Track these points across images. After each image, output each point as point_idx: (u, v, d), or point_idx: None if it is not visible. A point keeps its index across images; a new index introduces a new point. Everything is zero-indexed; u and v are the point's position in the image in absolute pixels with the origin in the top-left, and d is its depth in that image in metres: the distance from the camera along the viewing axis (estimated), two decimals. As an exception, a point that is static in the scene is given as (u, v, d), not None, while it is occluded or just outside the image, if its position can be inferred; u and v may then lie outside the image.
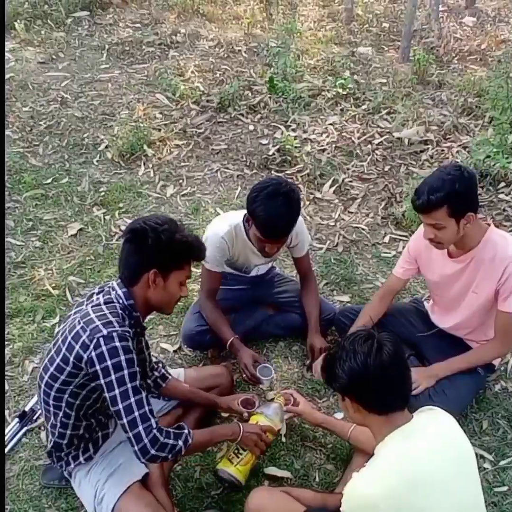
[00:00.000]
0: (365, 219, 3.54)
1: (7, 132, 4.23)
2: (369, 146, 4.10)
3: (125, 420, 1.66)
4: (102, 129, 4.32)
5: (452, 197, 1.97)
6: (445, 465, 1.41)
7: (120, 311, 1.75)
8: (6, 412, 2.36)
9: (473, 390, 2.37)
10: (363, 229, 3.46)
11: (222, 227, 2.38)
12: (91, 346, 1.65)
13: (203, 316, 2.52)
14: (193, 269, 1.92)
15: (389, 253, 3.28)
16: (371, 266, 3.20)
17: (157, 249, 1.73)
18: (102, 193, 3.69)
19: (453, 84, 4.87)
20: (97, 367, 1.65)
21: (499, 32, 5.97)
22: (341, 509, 1.43)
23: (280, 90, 4.61)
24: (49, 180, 3.78)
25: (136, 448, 1.67)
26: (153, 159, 4.01)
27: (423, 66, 4.88)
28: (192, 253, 1.83)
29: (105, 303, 1.76)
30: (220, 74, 4.97)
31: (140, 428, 1.66)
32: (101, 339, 1.65)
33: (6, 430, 2.25)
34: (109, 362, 1.64)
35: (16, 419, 2.29)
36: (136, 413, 1.66)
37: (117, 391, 1.65)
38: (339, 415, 2.37)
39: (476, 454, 1.54)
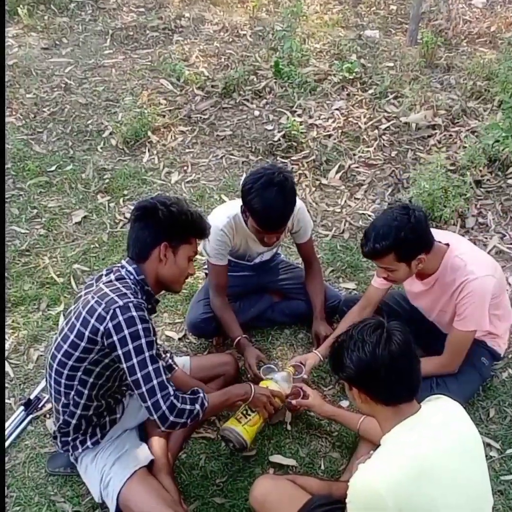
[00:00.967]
0: (372, 206, 3.50)
1: (11, 119, 4.22)
2: (376, 131, 4.04)
3: (144, 389, 1.68)
4: (106, 116, 4.28)
5: (398, 245, 1.98)
6: (452, 456, 1.39)
7: (132, 285, 1.78)
8: (12, 400, 2.37)
9: (477, 381, 2.35)
10: (369, 215, 3.42)
11: (221, 219, 2.35)
12: (108, 317, 1.66)
13: (208, 303, 2.50)
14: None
15: (396, 239, 3.24)
16: (377, 253, 3.16)
17: (168, 221, 1.79)
18: (107, 180, 3.67)
19: (462, 67, 4.78)
20: (114, 338, 1.66)
21: (509, 13, 5.83)
22: (347, 500, 1.42)
23: (285, 74, 4.54)
24: (53, 168, 3.76)
25: (155, 416, 1.69)
26: (157, 146, 3.98)
27: (431, 49, 4.78)
28: (198, 228, 1.88)
29: (117, 279, 1.79)
30: (225, 59, 4.91)
31: (159, 396, 1.68)
32: (117, 309, 1.67)
33: (12, 418, 2.26)
34: (126, 332, 1.66)
35: (22, 407, 2.29)
36: (155, 381, 1.68)
37: (135, 360, 1.67)
38: (345, 403, 2.36)
39: (483, 443, 1.51)
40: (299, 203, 2.36)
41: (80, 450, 1.92)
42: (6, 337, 2.62)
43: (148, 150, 3.94)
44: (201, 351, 2.61)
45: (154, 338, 1.74)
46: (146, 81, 4.67)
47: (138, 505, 1.82)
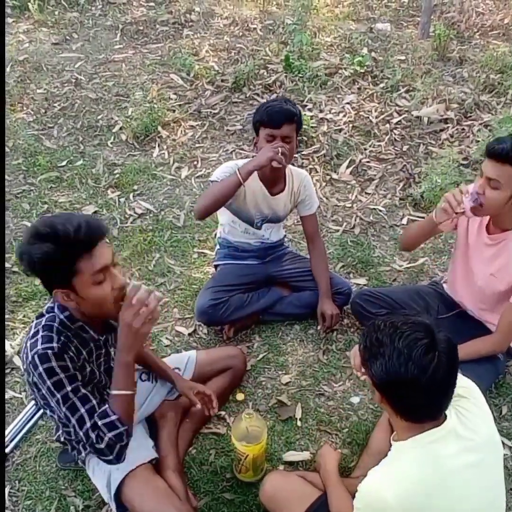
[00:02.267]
0: (383, 201, 3.47)
1: (22, 114, 4.22)
2: (387, 125, 4.01)
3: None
4: (116, 111, 4.28)
5: None
6: (467, 466, 1.33)
7: (55, 324, 1.62)
8: (23, 394, 2.37)
9: (493, 375, 2.32)
10: (380, 210, 3.40)
11: (236, 160, 2.54)
12: (27, 371, 1.61)
13: (217, 289, 2.51)
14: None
15: (407, 235, 3.22)
16: (388, 249, 3.14)
17: (41, 277, 1.53)
18: (117, 175, 3.67)
19: (474, 60, 4.73)
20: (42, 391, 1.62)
21: (523, 5, 5.77)
22: (354, 504, 1.39)
23: (296, 68, 4.51)
24: (63, 163, 3.76)
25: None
26: (167, 141, 3.97)
27: (444, 42, 4.74)
28: (73, 253, 1.47)
29: (47, 312, 1.66)
30: (235, 53, 4.89)
31: (88, 444, 1.64)
32: (30, 366, 1.58)
33: (23, 412, 2.27)
34: (43, 386, 1.59)
35: (33, 402, 2.30)
36: (80, 432, 1.62)
37: (58, 417, 1.67)
38: (356, 399, 2.34)
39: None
40: (305, 173, 2.58)
41: (83, 454, 1.89)
42: (17, 331, 2.63)
43: (158, 145, 3.93)
44: (211, 346, 2.59)
45: (69, 389, 1.58)
46: (156, 75, 4.67)
47: (140, 504, 1.78)
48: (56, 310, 1.64)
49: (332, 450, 1.97)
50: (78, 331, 1.67)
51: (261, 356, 2.54)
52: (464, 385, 1.47)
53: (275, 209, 2.55)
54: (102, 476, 1.88)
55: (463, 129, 3.93)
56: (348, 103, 4.24)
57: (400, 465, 1.35)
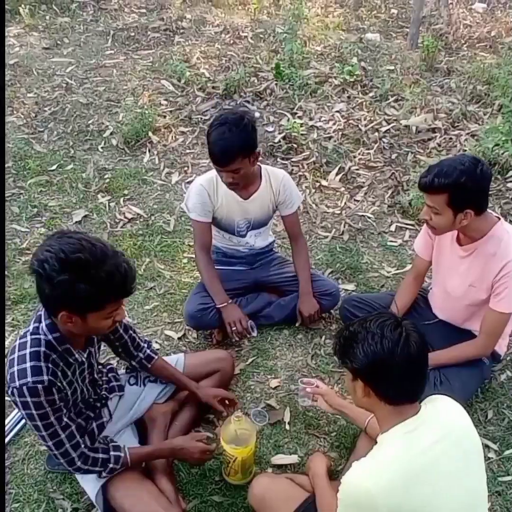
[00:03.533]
0: (371, 208, 3.52)
1: (12, 118, 4.23)
2: (376, 133, 4.06)
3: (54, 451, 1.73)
4: (107, 116, 4.29)
5: (455, 188, 1.94)
6: (449, 460, 1.38)
7: (42, 349, 1.61)
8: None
9: (478, 380, 2.36)
10: (369, 217, 3.44)
11: (204, 176, 2.48)
12: (10, 392, 1.63)
13: (205, 294, 2.53)
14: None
15: (395, 241, 3.27)
16: (377, 255, 3.18)
17: (56, 298, 1.49)
18: (107, 180, 3.68)
19: (462, 71, 4.81)
20: (17, 408, 1.66)
21: (510, 18, 5.88)
22: (338, 495, 1.42)
23: (286, 76, 4.57)
24: (54, 167, 3.77)
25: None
26: (158, 146, 4.00)
27: (432, 53, 4.82)
28: (108, 295, 1.53)
29: (32, 333, 1.63)
30: (226, 61, 4.93)
31: (63, 461, 1.74)
32: (15, 390, 1.60)
33: (12, 415, 2.26)
34: (23, 412, 1.64)
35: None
36: (56, 452, 1.72)
37: (38, 434, 1.69)
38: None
39: (481, 444, 1.52)
40: (285, 174, 2.52)
41: None
42: (6, 335, 2.63)
43: (149, 150, 3.96)
44: (200, 350, 2.61)
45: (52, 419, 1.65)
46: (147, 81, 4.69)
47: (129, 508, 1.79)
48: (43, 330, 1.62)
49: (322, 454, 2.00)
50: (64, 352, 1.67)
51: (250, 360, 2.56)
52: (442, 397, 1.54)
53: (252, 212, 2.54)
54: (90, 479, 1.88)
55: (451, 138, 3.99)
56: (338, 111, 4.29)
57: (380, 456, 1.39)
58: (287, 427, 2.27)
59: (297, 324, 2.66)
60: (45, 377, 1.60)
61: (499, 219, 2.12)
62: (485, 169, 1.97)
